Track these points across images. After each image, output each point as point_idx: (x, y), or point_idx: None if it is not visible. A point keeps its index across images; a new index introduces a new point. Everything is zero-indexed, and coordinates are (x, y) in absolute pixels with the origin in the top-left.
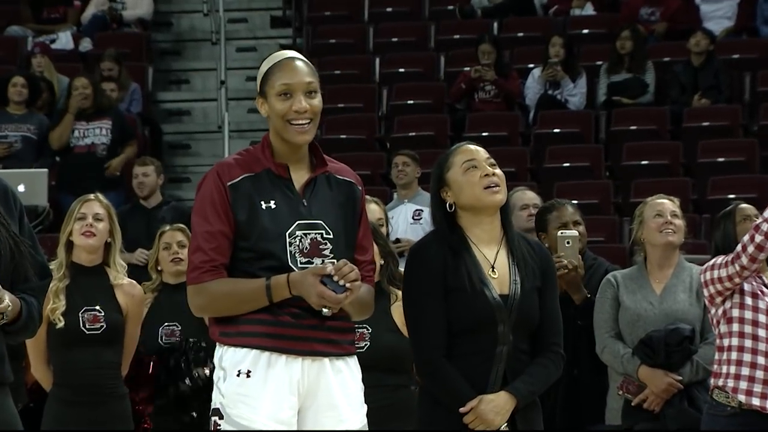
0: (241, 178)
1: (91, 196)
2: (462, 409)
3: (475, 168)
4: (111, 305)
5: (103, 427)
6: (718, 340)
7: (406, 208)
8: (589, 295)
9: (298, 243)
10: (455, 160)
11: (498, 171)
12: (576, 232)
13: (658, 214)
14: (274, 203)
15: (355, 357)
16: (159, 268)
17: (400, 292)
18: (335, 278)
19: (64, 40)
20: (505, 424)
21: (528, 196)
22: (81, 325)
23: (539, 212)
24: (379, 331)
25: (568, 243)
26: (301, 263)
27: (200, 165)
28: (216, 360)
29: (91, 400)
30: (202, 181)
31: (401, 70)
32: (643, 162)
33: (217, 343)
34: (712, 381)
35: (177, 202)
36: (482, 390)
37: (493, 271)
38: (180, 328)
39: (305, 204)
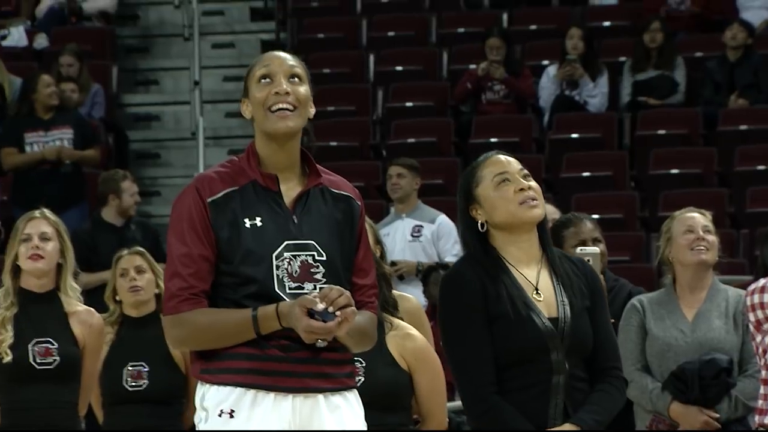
0: (223, 193)
1: (36, 212)
2: None
3: (508, 181)
4: (65, 336)
5: None
6: (763, 372)
7: (404, 224)
8: (612, 321)
9: (286, 266)
10: (485, 174)
11: (533, 183)
12: (597, 249)
13: (688, 229)
14: (260, 220)
15: (356, 391)
16: (117, 298)
17: (395, 320)
18: (323, 306)
19: (16, 36)
20: None
21: (548, 211)
22: (31, 359)
23: (554, 227)
24: (374, 365)
25: (588, 261)
26: (290, 289)
27: (171, 176)
28: (197, 400)
29: None
30: (179, 197)
31: (398, 68)
32: (673, 171)
33: (199, 382)
34: (757, 418)
35: (141, 218)
36: (542, 426)
37: (537, 293)
38: (147, 369)
39: (295, 221)
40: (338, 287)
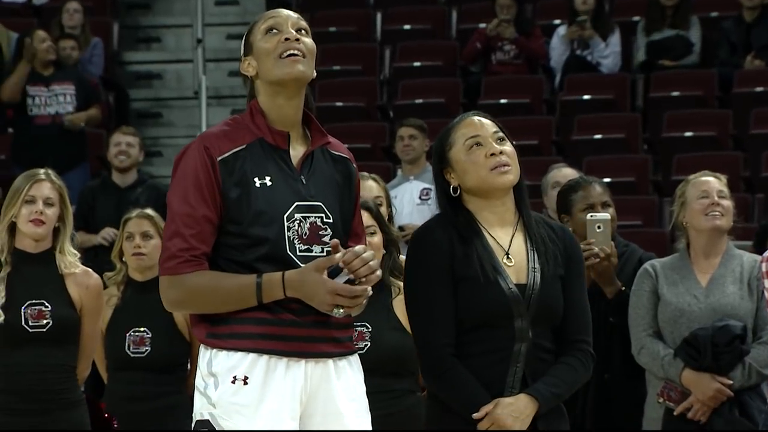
0: (232, 151)
1: (41, 173)
2: (476, 415)
3: (479, 146)
4: (60, 299)
5: None
6: None
7: (412, 187)
8: (623, 288)
9: (296, 228)
10: (457, 137)
11: (507, 147)
12: (608, 215)
13: (702, 194)
14: (270, 180)
15: (357, 355)
16: (123, 259)
17: (402, 284)
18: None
19: None
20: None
21: (563, 174)
22: (23, 321)
23: (562, 191)
24: (381, 329)
25: (599, 228)
26: (300, 251)
27: (173, 136)
28: (203, 365)
29: (39, 408)
30: (182, 154)
31: (406, 26)
32: (687, 134)
33: (203, 345)
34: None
35: (153, 180)
36: (499, 394)
37: (508, 258)
38: (150, 335)
39: (303, 182)
40: (370, 251)
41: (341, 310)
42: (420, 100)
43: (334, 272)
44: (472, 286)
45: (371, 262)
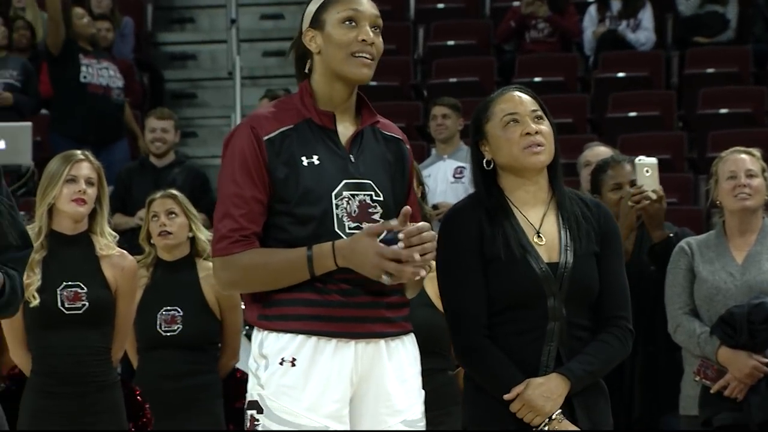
0: (279, 131)
1: (80, 154)
2: (506, 396)
3: (516, 123)
4: (96, 280)
5: (89, 420)
6: None
7: (446, 165)
8: (671, 235)
9: (345, 205)
10: (496, 111)
11: (544, 127)
12: (655, 159)
13: (730, 175)
14: (317, 159)
15: (412, 335)
16: (152, 241)
17: (434, 263)
18: (395, 224)
19: None
20: (559, 411)
21: (594, 153)
22: (59, 303)
23: (593, 171)
24: (412, 305)
25: (647, 171)
26: (349, 229)
27: (207, 117)
28: (255, 346)
29: (75, 391)
30: (230, 136)
31: (440, 5)
32: (722, 111)
33: (255, 328)
34: None
35: (191, 161)
36: (533, 373)
37: (539, 237)
38: (181, 314)
39: (352, 160)
40: (432, 232)
41: (386, 278)
42: (454, 79)
43: (388, 241)
44: (501, 267)
45: (428, 244)
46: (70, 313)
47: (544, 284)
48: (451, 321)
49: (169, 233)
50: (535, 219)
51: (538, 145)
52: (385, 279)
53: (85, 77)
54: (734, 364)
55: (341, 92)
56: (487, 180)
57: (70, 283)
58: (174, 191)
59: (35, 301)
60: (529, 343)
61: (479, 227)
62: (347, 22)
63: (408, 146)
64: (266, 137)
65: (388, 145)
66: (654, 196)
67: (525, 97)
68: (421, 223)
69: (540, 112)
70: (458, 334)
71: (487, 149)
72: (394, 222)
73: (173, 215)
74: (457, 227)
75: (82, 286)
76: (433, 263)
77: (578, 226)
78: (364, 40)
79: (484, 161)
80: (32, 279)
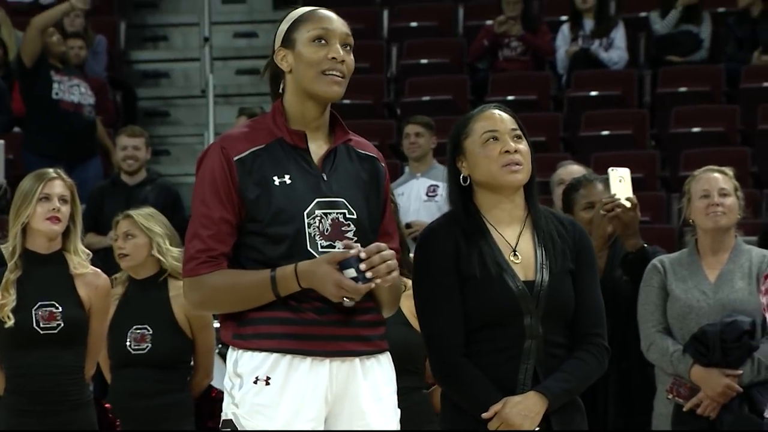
0: (249, 151)
1: (52, 172)
2: (484, 415)
3: (495, 140)
4: (71, 300)
5: None
6: None
7: (419, 184)
8: (645, 245)
9: (317, 224)
10: (476, 128)
11: (522, 146)
12: (628, 169)
13: (703, 194)
14: (289, 178)
15: (388, 353)
16: None
17: (410, 282)
18: (354, 252)
19: None
20: (537, 429)
21: (568, 171)
22: (34, 323)
23: (565, 190)
24: (388, 324)
25: (620, 180)
26: (321, 247)
27: (180, 135)
28: (230, 365)
29: (49, 410)
30: (203, 156)
31: (413, 24)
32: (695, 129)
33: (230, 346)
34: None
35: (162, 179)
36: (511, 392)
37: (515, 255)
38: (151, 332)
39: (325, 178)
40: (390, 250)
41: (346, 300)
42: (427, 98)
43: (345, 265)
44: (477, 285)
45: (390, 261)
46: (45, 333)
47: (521, 302)
48: (428, 340)
49: (125, 254)
50: (511, 237)
51: (517, 164)
52: (346, 302)
53: (57, 94)
54: (707, 382)
55: (313, 111)
56: (464, 197)
57: (45, 302)
58: (131, 211)
59: (10, 322)
60: (506, 361)
61: (455, 246)
62: (317, 41)
63: (384, 165)
64: (237, 157)
65: (362, 163)
66: (628, 204)
67: (505, 115)
68: (377, 243)
69: (519, 132)
70: (435, 353)
71: (465, 165)
72: (354, 251)
73: (130, 237)
74: (433, 246)
75: (57, 305)
76: (409, 282)
77: (554, 245)
78: (334, 58)
79: (461, 177)
80: (7, 299)
